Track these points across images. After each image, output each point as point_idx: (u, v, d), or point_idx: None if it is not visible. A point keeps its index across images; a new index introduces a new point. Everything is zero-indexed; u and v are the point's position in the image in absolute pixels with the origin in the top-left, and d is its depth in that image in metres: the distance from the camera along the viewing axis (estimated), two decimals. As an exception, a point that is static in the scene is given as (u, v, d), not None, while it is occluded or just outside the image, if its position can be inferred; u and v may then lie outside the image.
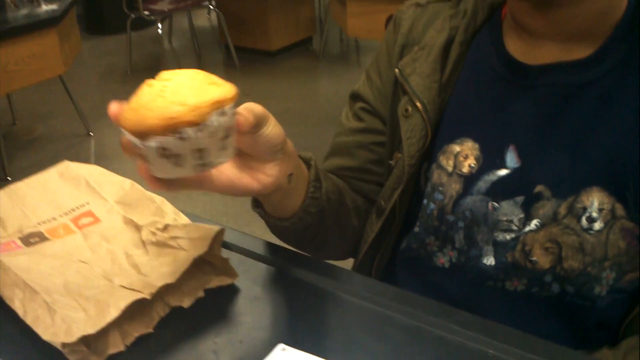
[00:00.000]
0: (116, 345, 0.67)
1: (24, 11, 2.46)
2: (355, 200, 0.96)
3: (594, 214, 0.75)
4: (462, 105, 0.85)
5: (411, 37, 0.91)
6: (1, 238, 0.83)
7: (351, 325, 0.71)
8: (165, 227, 0.81)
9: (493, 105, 0.83)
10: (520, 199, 0.79)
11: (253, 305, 0.74)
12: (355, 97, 0.99)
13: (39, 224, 0.86)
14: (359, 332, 0.69)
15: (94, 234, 0.84)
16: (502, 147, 0.81)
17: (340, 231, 0.93)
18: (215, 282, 0.76)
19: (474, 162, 0.82)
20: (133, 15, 4.53)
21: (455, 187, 0.83)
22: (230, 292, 0.76)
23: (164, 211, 0.86)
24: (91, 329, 0.65)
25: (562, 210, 0.77)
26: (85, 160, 3.23)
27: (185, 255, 0.75)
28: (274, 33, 4.84)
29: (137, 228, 0.83)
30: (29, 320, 0.69)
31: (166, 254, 0.78)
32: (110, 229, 0.85)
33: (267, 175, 0.69)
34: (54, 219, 0.87)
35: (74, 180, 0.95)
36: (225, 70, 4.88)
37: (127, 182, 0.94)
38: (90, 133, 3.80)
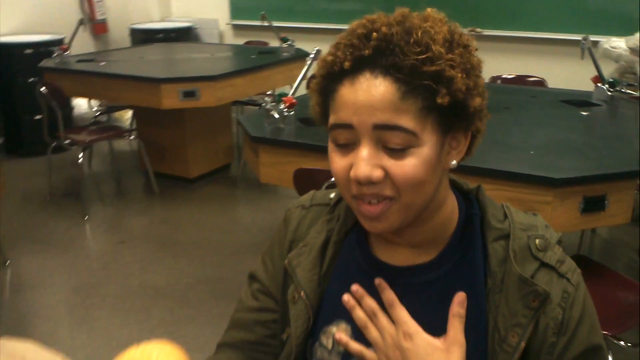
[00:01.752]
0: None
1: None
2: None
3: None
4: (337, 294, 1.03)
5: (297, 234, 1.12)
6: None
7: None
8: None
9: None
10: None
11: None
12: (252, 277, 1.18)
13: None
14: None
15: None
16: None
17: None
18: None
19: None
20: (54, 144, 4.66)
21: None
22: None
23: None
24: None
25: None
26: (0, 291, 3.24)
27: None
28: (193, 161, 5.06)
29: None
30: None
31: None
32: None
33: None
34: (-7, 397, 1.00)
35: (9, 358, 1.08)
36: (144, 196, 5.01)
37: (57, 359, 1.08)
38: (7, 262, 3.82)
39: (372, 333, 0.95)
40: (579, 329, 0.94)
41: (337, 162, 0.92)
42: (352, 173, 0.88)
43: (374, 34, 0.86)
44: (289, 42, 5.29)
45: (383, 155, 0.87)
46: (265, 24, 5.34)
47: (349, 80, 0.87)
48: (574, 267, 0.97)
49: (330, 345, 1.03)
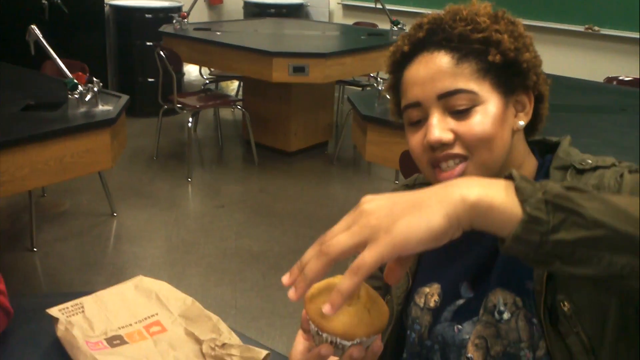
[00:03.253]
0: None
1: (83, 109, 2.75)
2: None
3: (501, 308, 0.96)
4: (430, 259, 1.10)
5: None
6: (91, 338, 1.06)
7: None
8: (223, 345, 1.04)
9: (455, 251, 1.04)
10: (475, 318, 1.00)
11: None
12: None
13: (119, 328, 1.10)
14: None
15: (162, 341, 1.07)
16: (457, 284, 1.04)
17: None
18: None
19: (437, 297, 1.06)
20: (166, 106, 4.88)
21: (427, 318, 1.07)
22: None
23: (220, 329, 1.09)
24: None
25: (481, 310, 0.99)
26: (106, 239, 3.47)
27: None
28: (293, 135, 5.17)
29: (198, 341, 1.07)
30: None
31: (222, 366, 1.01)
32: (175, 338, 1.08)
33: None
34: (131, 325, 1.11)
35: (146, 293, 1.19)
36: (244, 164, 5.18)
37: (189, 299, 1.18)
38: (114, 214, 4.06)
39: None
40: None
41: (413, 138, 1.00)
42: (425, 139, 0.95)
43: (425, 19, 0.99)
44: (400, 26, 5.28)
45: (450, 120, 0.94)
46: (378, 5, 5.36)
47: (410, 64, 0.99)
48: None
49: (422, 304, 1.08)
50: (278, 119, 5.16)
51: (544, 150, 1.08)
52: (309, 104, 5.22)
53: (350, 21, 7.06)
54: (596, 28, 5.71)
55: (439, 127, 0.94)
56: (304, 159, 5.27)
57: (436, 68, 0.95)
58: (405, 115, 1.01)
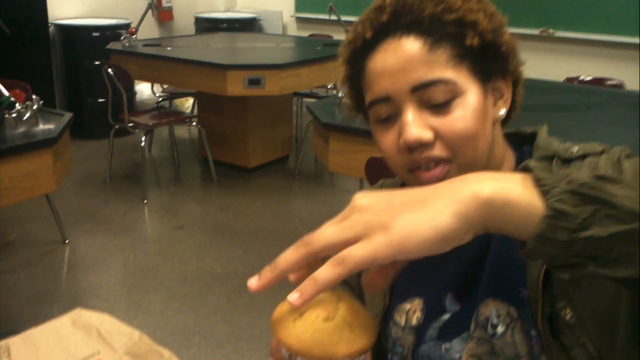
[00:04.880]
0: None
1: (21, 129, 2.56)
2: None
3: (494, 321, 0.84)
4: (408, 272, 0.93)
5: None
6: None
7: None
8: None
9: (436, 261, 0.89)
10: (465, 334, 0.88)
11: None
12: None
13: (53, 373, 0.92)
14: None
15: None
16: (440, 297, 0.92)
17: None
18: None
19: (420, 314, 0.93)
20: (117, 126, 4.68)
21: (409, 339, 0.93)
22: None
23: (173, 367, 0.93)
24: None
25: (472, 325, 0.87)
26: (58, 269, 3.26)
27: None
28: (252, 151, 5.02)
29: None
30: None
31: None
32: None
33: None
34: (67, 368, 0.94)
35: (85, 329, 1.02)
36: (203, 183, 5.00)
37: (135, 334, 1.01)
38: (66, 241, 3.83)
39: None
40: None
41: (384, 139, 0.87)
42: (401, 140, 0.82)
43: (387, 1, 0.85)
44: (355, 35, 5.18)
45: (428, 115, 0.82)
46: (333, 17, 5.26)
47: (373, 52, 0.85)
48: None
49: (403, 322, 0.96)
50: (235, 135, 5.00)
51: (518, 142, 0.96)
52: (266, 119, 5.08)
53: (304, 34, 6.96)
54: (551, 31, 5.71)
55: (416, 125, 0.82)
56: (265, 174, 5.12)
57: (407, 56, 0.82)
58: (372, 111, 0.88)
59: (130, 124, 4.56)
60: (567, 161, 0.83)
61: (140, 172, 4.80)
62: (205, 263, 3.63)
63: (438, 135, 0.82)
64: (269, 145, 5.18)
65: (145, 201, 4.51)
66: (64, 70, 5.94)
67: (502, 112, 0.89)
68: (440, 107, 0.81)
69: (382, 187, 1.07)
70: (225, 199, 4.61)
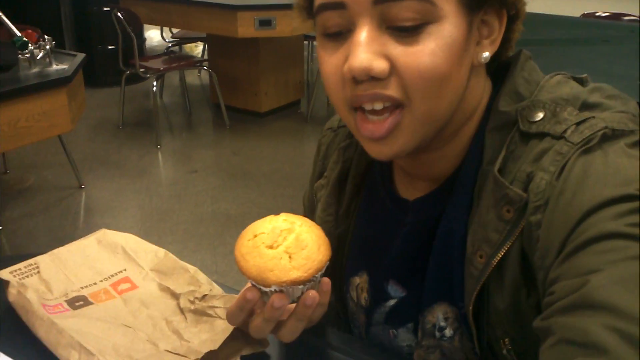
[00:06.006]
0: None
1: (35, 69, 2.55)
2: None
3: (442, 324, 0.77)
4: (361, 238, 0.89)
5: (325, 163, 0.95)
6: (48, 300, 0.91)
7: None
8: (204, 297, 0.89)
9: (383, 240, 0.85)
10: (410, 325, 0.82)
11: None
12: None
13: (82, 288, 0.94)
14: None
15: (133, 299, 0.92)
16: (382, 281, 0.85)
17: None
18: (248, 349, 0.84)
19: (366, 294, 0.87)
20: (128, 72, 4.66)
21: (362, 317, 0.89)
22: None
23: (199, 280, 0.94)
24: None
25: (419, 333, 0.80)
26: (75, 213, 3.27)
27: (223, 324, 0.83)
28: (264, 95, 4.99)
29: (174, 296, 0.92)
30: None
31: (204, 321, 0.86)
32: (148, 295, 0.93)
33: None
34: (95, 283, 0.95)
35: (111, 247, 1.03)
36: (215, 128, 4.99)
37: (161, 251, 1.02)
38: (82, 186, 3.86)
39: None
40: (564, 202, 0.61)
41: (328, 59, 0.69)
42: (346, 66, 0.65)
43: None
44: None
45: (388, 40, 0.64)
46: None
47: None
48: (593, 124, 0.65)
49: (355, 298, 0.90)
50: (247, 79, 4.96)
51: (498, 74, 0.76)
52: (278, 62, 5.03)
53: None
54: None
55: (370, 49, 0.63)
56: (277, 119, 5.10)
57: None
58: (319, 19, 0.69)
59: (142, 69, 4.54)
60: (528, 137, 0.69)
61: (152, 118, 4.80)
62: (220, 205, 3.65)
63: (395, 69, 0.64)
64: (280, 89, 5.14)
65: (158, 146, 4.51)
66: (73, 18, 5.88)
67: (486, 55, 0.70)
68: (406, 33, 0.63)
69: (340, 122, 0.95)
70: (238, 144, 4.61)
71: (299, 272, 0.69)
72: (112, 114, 5.08)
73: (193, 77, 6.06)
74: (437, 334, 0.78)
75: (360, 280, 0.89)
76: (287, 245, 0.70)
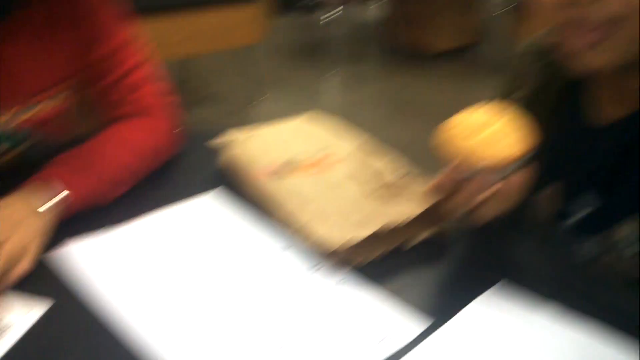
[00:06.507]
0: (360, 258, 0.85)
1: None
2: None
3: (631, 239, 0.80)
4: (556, 150, 0.92)
5: (518, 83, 1.04)
6: (261, 164, 1.02)
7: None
8: (402, 177, 0.98)
9: (579, 151, 0.90)
10: (598, 237, 0.86)
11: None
12: None
13: (294, 157, 1.05)
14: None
15: (339, 172, 1.02)
16: (575, 191, 0.89)
17: None
18: (434, 229, 0.91)
19: (558, 203, 0.93)
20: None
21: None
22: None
23: (399, 162, 1.03)
24: (353, 239, 0.82)
25: (605, 246, 0.85)
26: (254, 121, 3.42)
27: (418, 203, 0.90)
28: (438, 35, 4.89)
29: (376, 173, 1.00)
30: (303, 221, 0.87)
31: (402, 196, 0.94)
32: (353, 169, 1.02)
33: None
34: (306, 155, 1.06)
35: (319, 126, 1.14)
36: (383, 65, 5.00)
37: (364, 136, 1.12)
38: (265, 95, 4.06)
39: None
40: None
41: None
42: None
43: None
44: None
45: None
46: None
47: None
48: None
49: (546, 207, 0.96)
50: (420, 17, 4.88)
51: None
52: (454, 2, 4.88)
53: None
54: None
55: None
56: (450, 61, 4.98)
57: None
58: None
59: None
60: None
61: (324, 48, 4.85)
62: (390, 132, 3.70)
63: None
64: (456, 31, 5.01)
65: (332, 72, 4.62)
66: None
67: None
68: None
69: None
70: (407, 82, 4.61)
71: (500, 157, 0.74)
72: (284, 41, 5.21)
73: (367, 13, 6.06)
74: (626, 250, 0.80)
75: (552, 190, 0.92)
76: (494, 130, 0.75)
